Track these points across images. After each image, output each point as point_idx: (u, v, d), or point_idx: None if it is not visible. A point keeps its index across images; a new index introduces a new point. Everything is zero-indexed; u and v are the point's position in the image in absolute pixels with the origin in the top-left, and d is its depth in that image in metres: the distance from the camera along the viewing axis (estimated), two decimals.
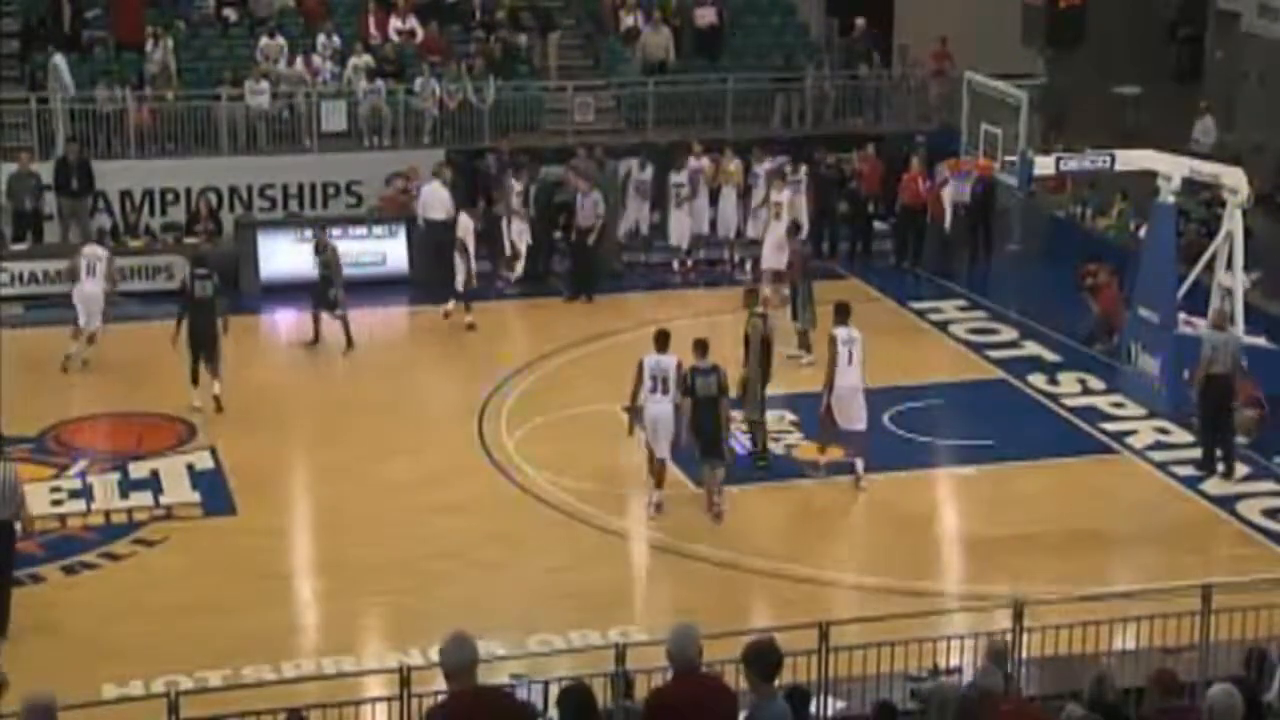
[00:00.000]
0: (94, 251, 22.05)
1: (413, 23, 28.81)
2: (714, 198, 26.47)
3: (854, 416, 18.24)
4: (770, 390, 19.13)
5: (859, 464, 18.32)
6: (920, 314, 24.31)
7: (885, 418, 20.21)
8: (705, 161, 26.43)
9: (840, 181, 27.22)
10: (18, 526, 15.33)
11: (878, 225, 27.18)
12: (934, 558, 17.35)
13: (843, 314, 18.59)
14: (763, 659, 8.88)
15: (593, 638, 14.76)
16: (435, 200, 24.79)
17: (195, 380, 20.12)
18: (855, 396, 18.19)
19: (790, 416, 20.16)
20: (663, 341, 17.65)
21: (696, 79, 28.91)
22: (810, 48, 30.59)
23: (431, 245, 24.62)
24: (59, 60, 26.20)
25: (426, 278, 24.73)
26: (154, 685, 13.62)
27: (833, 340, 18.29)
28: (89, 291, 21.63)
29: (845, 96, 29.29)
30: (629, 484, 18.55)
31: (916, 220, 26.38)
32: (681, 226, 26.18)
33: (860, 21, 30.16)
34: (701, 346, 17.48)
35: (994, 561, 16.91)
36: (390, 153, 26.96)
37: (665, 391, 17.36)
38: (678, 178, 26.11)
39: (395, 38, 28.56)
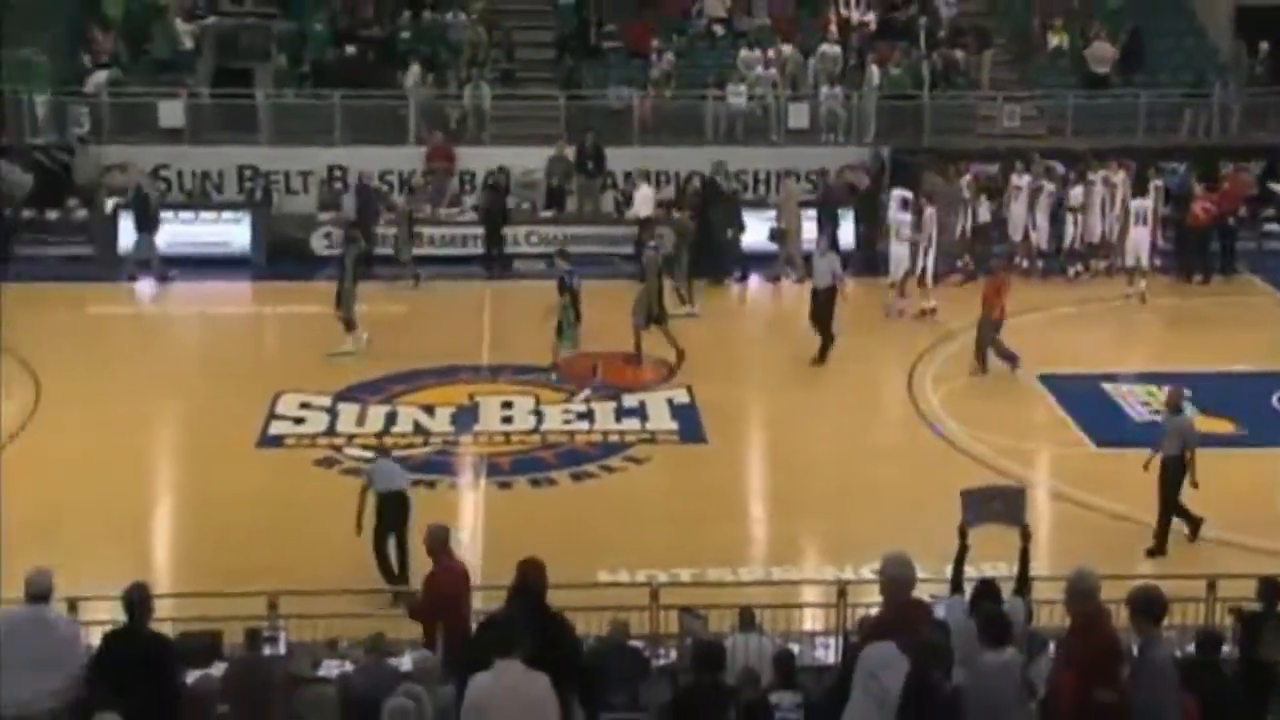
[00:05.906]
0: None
1: (869, 16, 29.04)
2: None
3: None
4: None
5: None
6: None
7: (1275, 399, 19.10)
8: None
9: (1189, 198, 25.32)
10: None
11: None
12: None
13: None
14: (1148, 604, 8.58)
15: (1001, 569, 14.43)
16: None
17: None
18: None
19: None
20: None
21: (1111, 93, 27.92)
22: (1219, 67, 29.02)
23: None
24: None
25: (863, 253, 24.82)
26: (637, 576, 13.93)
27: None
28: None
29: (1251, 111, 27.74)
30: (1040, 440, 18.24)
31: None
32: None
33: (1264, 45, 28.41)
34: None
35: None
36: (842, 148, 27.03)
37: None
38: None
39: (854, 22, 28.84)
